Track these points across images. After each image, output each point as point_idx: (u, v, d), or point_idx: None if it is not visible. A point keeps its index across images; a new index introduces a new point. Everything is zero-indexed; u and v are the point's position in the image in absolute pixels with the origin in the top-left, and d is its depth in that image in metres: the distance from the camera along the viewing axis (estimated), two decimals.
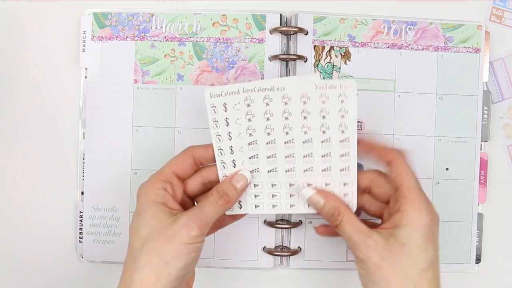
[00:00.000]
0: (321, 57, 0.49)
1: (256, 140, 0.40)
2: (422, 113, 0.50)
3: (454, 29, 0.50)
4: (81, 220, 0.50)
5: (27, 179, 0.51)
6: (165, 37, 0.50)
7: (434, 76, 0.50)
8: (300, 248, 0.49)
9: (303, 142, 0.39)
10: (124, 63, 0.50)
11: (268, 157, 0.40)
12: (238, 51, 0.49)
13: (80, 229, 0.50)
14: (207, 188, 0.42)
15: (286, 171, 0.40)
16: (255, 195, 0.41)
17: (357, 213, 0.41)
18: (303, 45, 0.49)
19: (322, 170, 0.40)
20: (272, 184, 0.41)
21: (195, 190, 0.41)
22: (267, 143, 0.40)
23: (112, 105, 0.50)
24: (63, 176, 0.50)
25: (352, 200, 0.40)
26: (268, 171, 0.40)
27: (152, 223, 0.38)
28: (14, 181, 0.51)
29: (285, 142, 0.40)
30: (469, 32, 0.50)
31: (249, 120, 0.40)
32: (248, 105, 0.39)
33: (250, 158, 0.40)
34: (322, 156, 0.39)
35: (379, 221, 0.41)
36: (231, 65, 0.49)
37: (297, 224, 0.49)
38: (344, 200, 0.40)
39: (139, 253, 0.37)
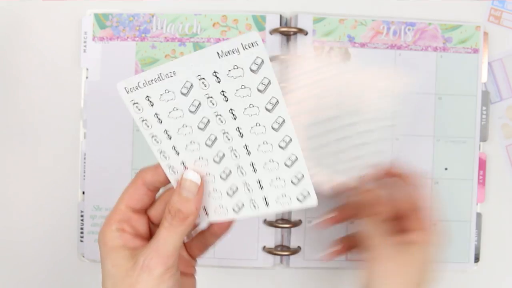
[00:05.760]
0: None
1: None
2: (421, 113, 0.50)
3: (453, 30, 0.50)
4: (82, 220, 0.50)
5: (28, 179, 0.51)
6: (165, 37, 0.50)
7: (433, 76, 0.50)
8: (300, 248, 0.50)
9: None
10: (125, 64, 0.50)
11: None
12: None
13: (81, 228, 0.50)
14: None
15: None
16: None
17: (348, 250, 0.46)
18: (303, 46, 0.49)
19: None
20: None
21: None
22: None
23: (113, 105, 0.50)
24: (64, 176, 0.51)
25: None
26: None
27: (114, 273, 0.33)
28: (15, 180, 0.51)
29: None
30: (467, 33, 0.51)
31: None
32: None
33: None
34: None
35: None
36: None
37: (297, 223, 0.49)
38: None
39: None
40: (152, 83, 0.32)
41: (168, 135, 0.33)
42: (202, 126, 0.32)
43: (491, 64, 0.51)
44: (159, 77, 0.31)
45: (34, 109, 0.51)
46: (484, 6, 0.52)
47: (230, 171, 0.33)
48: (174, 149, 0.33)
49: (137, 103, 0.33)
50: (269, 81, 0.30)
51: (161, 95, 0.32)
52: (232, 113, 0.31)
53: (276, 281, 0.51)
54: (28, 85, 0.51)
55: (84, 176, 0.50)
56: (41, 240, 0.51)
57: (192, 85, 0.31)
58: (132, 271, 0.32)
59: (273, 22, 0.50)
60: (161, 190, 0.36)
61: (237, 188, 0.34)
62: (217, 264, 0.50)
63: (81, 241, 0.50)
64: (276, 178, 0.33)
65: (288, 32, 0.49)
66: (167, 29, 0.50)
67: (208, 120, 0.32)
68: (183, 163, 0.34)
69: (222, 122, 0.32)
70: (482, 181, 0.51)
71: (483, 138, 0.51)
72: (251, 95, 0.30)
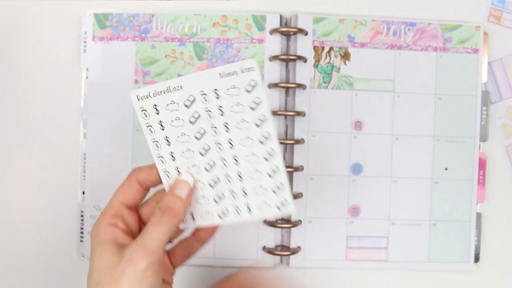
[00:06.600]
0: (321, 57, 0.50)
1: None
2: (421, 113, 0.50)
3: (453, 30, 0.50)
4: (82, 220, 0.50)
5: (28, 179, 0.51)
6: (165, 37, 0.50)
7: (433, 76, 0.50)
8: (300, 248, 0.50)
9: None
10: (125, 64, 0.50)
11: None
12: (238, 51, 0.50)
13: (81, 228, 0.50)
14: None
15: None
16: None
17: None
18: (303, 46, 0.49)
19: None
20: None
21: None
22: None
23: (113, 106, 0.50)
24: (64, 176, 0.51)
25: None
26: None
27: (100, 266, 0.34)
28: (15, 181, 0.51)
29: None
30: (467, 33, 0.51)
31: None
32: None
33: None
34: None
35: None
36: None
37: (297, 223, 0.49)
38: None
39: None
40: (161, 94, 0.36)
41: (168, 142, 0.37)
42: (198, 136, 0.36)
43: (491, 64, 0.51)
44: (167, 89, 0.36)
45: (34, 109, 0.51)
46: (484, 6, 0.52)
47: (219, 179, 0.37)
48: (172, 155, 0.37)
49: (145, 110, 0.36)
50: (260, 100, 0.34)
51: (167, 105, 0.36)
52: (226, 126, 0.35)
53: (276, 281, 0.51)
54: (28, 85, 0.51)
55: (84, 176, 0.50)
56: (41, 240, 0.51)
57: (194, 99, 0.35)
58: (117, 265, 0.33)
59: (273, 22, 0.50)
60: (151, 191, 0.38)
61: (223, 195, 0.37)
62: (217, 264, 0.50)
63: (81, 241, 0.50)
64: (260, 187, 0.36)
65: (288, 32, 0.49)
66: (167, 29, 0.50)
67: (205, 131, 0.36)
68: (177, 169, 0.37)
69: (216, 133, 0.36)
70: (482, 181, 0.51)
71: (483, 138, 0.51)
72: (244, 111, 0.35)
